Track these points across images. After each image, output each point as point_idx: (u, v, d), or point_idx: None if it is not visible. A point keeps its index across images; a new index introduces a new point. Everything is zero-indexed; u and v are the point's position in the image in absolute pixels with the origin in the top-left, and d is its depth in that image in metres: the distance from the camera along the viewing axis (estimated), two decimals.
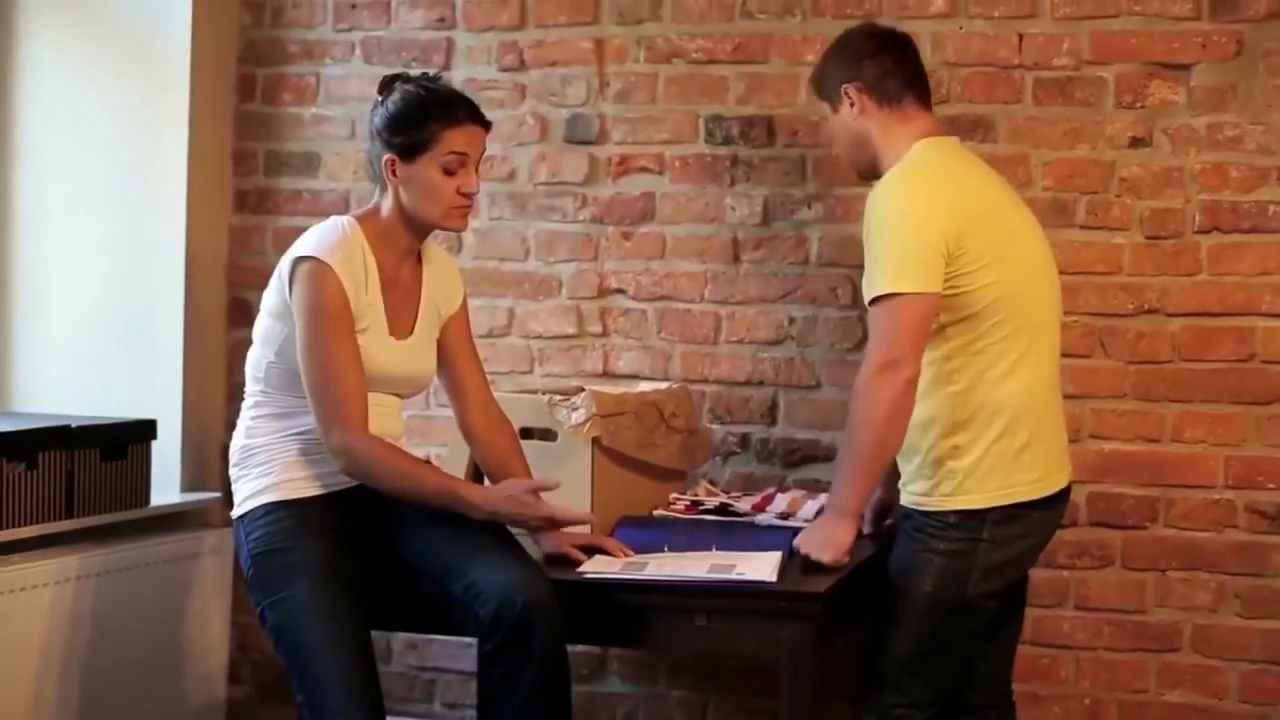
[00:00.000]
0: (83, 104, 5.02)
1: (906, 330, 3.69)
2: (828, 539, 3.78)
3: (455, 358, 3.98)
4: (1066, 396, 4.38)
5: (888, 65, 3.92)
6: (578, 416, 4.13)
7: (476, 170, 3.81)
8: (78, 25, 5.02)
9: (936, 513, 3.80)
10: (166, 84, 4.96)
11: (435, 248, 4.01)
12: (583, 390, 4.22)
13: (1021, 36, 4.55)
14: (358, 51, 5.05)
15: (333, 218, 3.85)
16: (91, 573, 4.47)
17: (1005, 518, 3.77)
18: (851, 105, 3.90)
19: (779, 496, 4.37)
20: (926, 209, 3.74)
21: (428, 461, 3.92)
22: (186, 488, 4.98)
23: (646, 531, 3.98)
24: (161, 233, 4.97)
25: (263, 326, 3.82)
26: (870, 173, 3.96)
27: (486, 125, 3.83)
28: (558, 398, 4.20)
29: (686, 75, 4.79)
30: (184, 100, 4.95)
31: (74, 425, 4.47)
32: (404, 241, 3.84)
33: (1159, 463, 4.48)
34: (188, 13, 4.93)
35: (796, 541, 3.84)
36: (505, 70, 4.91)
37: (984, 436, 3.77)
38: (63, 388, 4.97)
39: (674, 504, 4.39)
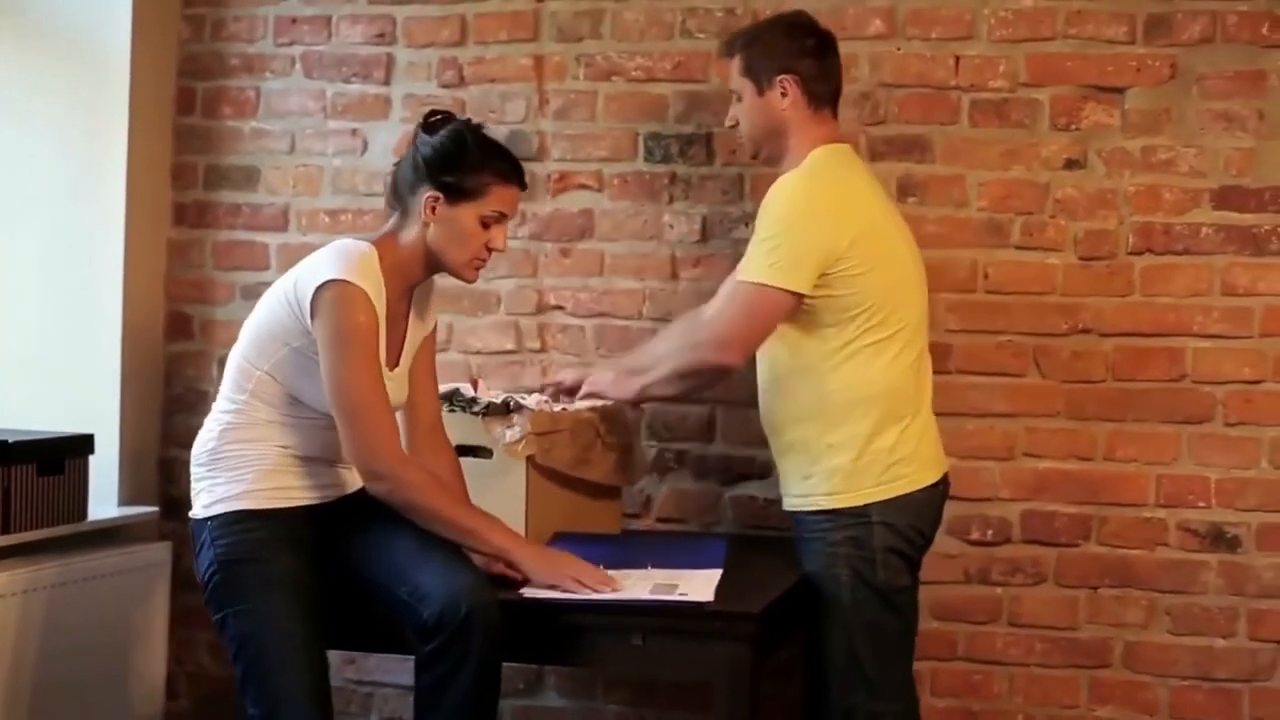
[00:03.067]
0: (20, 116, 5.00)
1: (756, 321, 3.91)
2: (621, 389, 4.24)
3: (417, 375, 3.96)
4: (1000, 414, 4.53)
5: (823, 70, 4.06)
6: (512, 434, 4.13)
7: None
8: (15, 37, 4.99)
9: (823, 510, 3.93)
10: (106, 97, 4.94)
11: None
12: (520, 407, 4.23)
13: (958, 58, 4.58)
14: (298, 66, 5.04)
15: (349, 241, 3.79)
16: (30, 588, 4.44)
17: (887, 506, 3.92)
18: (784, 95, 4.01)
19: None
20: (819, 214, 3.90)
21: (461, 496, 3.90)
22: (124, 501, 4.96)
23: (580, 548, 3.98)
24: (100, 246, 4.95)
25: (257, 340, 3.77)
26: (768, 160, 4.12)
27: (525, 188, 3.87)
28: (493, 415, 4.20)
29: (626, 93, 4.81)
30: (123, 113, 4.93)
31: (10, 440, 4.44)
32: (415, 276, 3.83)
33: (1092, 481, 4.52)
34: (127, 26, 4.91)
35: (592, 380, 4.32)
36: (445, 86, 4.92)
37: (860, 433, 3.92)
38: None
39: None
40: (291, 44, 5.05)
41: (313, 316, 3.65)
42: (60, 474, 4.58)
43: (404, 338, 3.87)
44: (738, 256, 4.64)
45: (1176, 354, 4.47)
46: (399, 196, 3.83)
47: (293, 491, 3.78)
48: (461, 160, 3.75)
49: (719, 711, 3.73)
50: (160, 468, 5.07)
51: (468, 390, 4.31)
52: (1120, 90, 4.49)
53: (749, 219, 4.68)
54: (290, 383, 3.72)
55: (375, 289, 3.69)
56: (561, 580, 3.71)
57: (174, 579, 4.93)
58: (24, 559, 4.49)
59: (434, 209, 3.74)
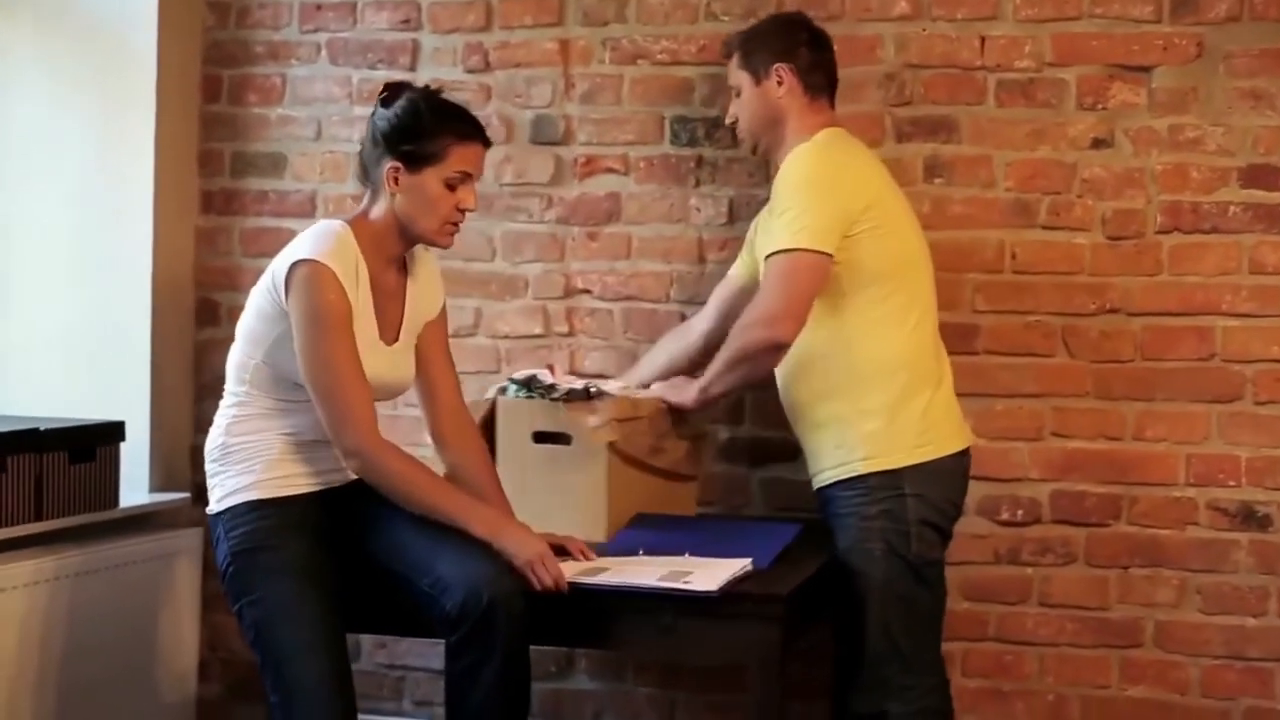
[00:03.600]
0: (48, 106, 5.02)
1: (798, 288, 3.94)
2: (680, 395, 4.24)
3: (430, 363, 3.99)
4: (1029, 395, 4.54)
5: (818, 58, 4.19)
6: (596, 420, 4.12)
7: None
8: (43, 28, 5.01)
9: (854, 479, 4.00)
10: (132, 85, 4.96)
11: (421, 253, 4.02)
12: (601, 394, 4.21)
13: (984, 38, 4.57)
14: (323, 53, 5.05)
15: (324, 221, 3.87)
16: (62, 575, 4.47)
17: (920, 474, 3.99)
18: (780, 84, 4.14)
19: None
20: (836, 176, 4.02)
21: (442, 478, 3.89)
22: (155, 488, 4.98)
23: (647, 532, 4.07)
24: (129, 234, 4.96)
25: (248, 328, 3.82)
26: (766, 151, 4.25)
27: (489, 144, 3.86)
28: (575, 401, 4.18)
29: (651, 76, 4.81)
30: (150, 102, 4.95)
31: (42, 428, 4.47)
32: (393, 248, 3.85)
33: (1121, 461, 4.51)
34: (153, 14, 4.93)
35: (660, 389, 4.32)
36: (470, 72, 4.92)
37: (890, 398, 4.00)
38: (30, 390, 4.97)
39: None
40: (316, 30, 5.05)
41: (286, 298, 3.69)
42: (92, 461, 4.61)
43: (402, 313, 3.90)
44: None
45: (1205, 333, 4.46)
46: (366, 173, 3.87)
47: (301, 478, 3.81)
48: (417, 127, 3.78)
49: (751, 692, 3.74)
50: (191, 454, 5.07)
51: (546, 376, 4.30)
52: (1147, 69, 4.48)
53: None
54: (284, 367, 3.75)
55: (347, 266, 3.72)
56: (525, 568, 3.66)
57: (205, 565, 4.95)
58: (56, 546, 4.52)
59: (396, 179, 3.78)
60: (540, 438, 4.18)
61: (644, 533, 4.08)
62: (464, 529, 3.69)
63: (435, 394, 4.00)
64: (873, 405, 3.99)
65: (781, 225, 3.96)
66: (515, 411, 4.22)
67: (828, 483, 4.06)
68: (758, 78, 4.16)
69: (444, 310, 4.05)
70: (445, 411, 4.01)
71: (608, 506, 4.14)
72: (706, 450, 4.62)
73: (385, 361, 3.82)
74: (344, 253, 3.73)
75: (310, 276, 3.68)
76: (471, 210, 3.84)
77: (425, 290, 3.97)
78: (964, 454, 4.12)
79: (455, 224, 3.84)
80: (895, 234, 4.05)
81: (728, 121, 4.30)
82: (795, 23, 4.29)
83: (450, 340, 4.11)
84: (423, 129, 3.77)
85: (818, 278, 3.93)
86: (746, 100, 4.20)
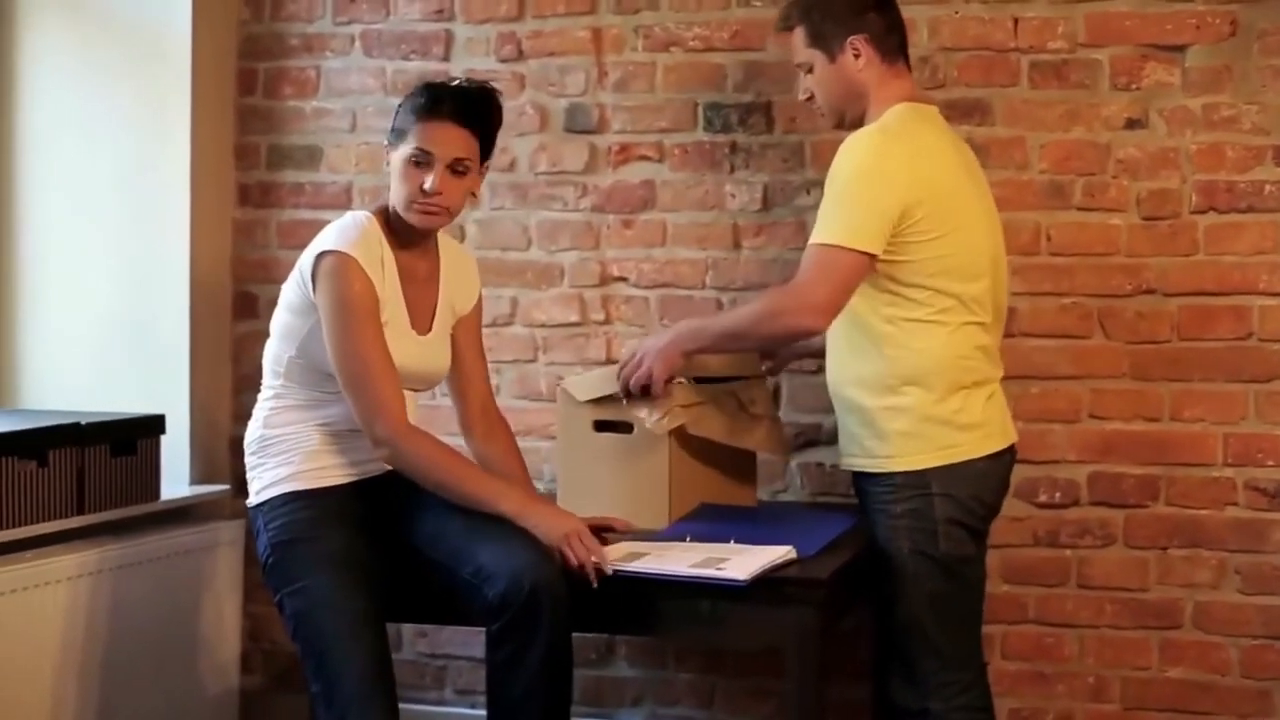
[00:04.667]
0: (84, 101, 5.04)
1: (835, 283, 3.78)
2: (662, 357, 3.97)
3: (462, 356, 4.02)
4: (1065, 377, 4.52)
5: (889, 21, 4.00)
6: (654, 413, 4.07)
7: (461, 173, 3.81)
8: (78, 23, 5.04)
9: (881, 474, 3.91)
10: (168, 80, 4.98)
11: (453, 244, 4.04)
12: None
13: (1017, 20, 4.56)
14: (357, 44, 5.07)
15: (350, 213, 3.89)
16: (104, 568, 4.50)
17: (948, 474, 3.87)
18: (857, 56, 3.94)
19: None
20: (891, 172, 3.80)
21: (471, 462, 3.92)
22: (196, 481, 5.01)
23: (703, 521, 4.07)
24: (166, 228, 4.99)
25: (281, 322, 3.86)
26: (855, 124, 3.99)
27: (474, 129, 3.82)
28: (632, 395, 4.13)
29: (684, 63, 4.81)
30: (185, 96, 4.97)
31: (83, 422, 4.50)
32: (407, 233, 3.87)
33: (1159, 442, 4.50)
34: (187, 8, 4.95)
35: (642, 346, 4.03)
36: (504, 61, 4.93)
37: (920, 399, 3.87)
38: (71, 384, 5.00)
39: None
40: (350, 22, 5.07)
41: (314, 290, 3.72)
42: (133, 454, 4.64)
43: (435, 302, 3.92)
44: (800, 224, 4.68)
45: (1242, 312, 4.44)
46: None
47: (339, 469, 3.84)
48: (401, 105, 3.84)
49: (791, 676, 3.73)
50: (231, 446, 5.09)
51: None
52: (1180, 48, 4.46)
53: (810, 186, 4.69)
54: (318, 359, 3.78)
55: (372, 256, 3.75)
56: (561, 544, 3.67)
57: (246, 556, 4.98)
58: (99, 539, 4.55)
59: (387, 159, 3.83)
60: (601, 426, 4.18)
61: (700, 522, 4.07)
62: (494, 511, 3.70)
63: (466, 386, 4.03)
64: (902, 404, 3.87)
65: (828, 214, 3.82)
66: (575, 401, 4.22)
67: (854, 469, 4.00)
68: (831, 54, 3.96)
69: (479, 303, 4.07)
70: (475, 404, 4.04)
71: (669, 494, 4.13)
72: (785, 433, 4.57)
73: (417, 351, 3.84)
74: (368, 243, 3.75)
75: (336, 267, 3.70)
76: (431, 192, 3.77)
77: (460, 280, 3.98)
78: (1002, 454, 3.99)
79: (424, 205, 3.79)
80: (951, 232, 3.84)
81: (801, 98, 4.09)
82: None
83: (487, 329, 4.12)
84: (403, 106, 3.84)
85: (857, 276, 3.78)
86: (823, 79, 4.00)
